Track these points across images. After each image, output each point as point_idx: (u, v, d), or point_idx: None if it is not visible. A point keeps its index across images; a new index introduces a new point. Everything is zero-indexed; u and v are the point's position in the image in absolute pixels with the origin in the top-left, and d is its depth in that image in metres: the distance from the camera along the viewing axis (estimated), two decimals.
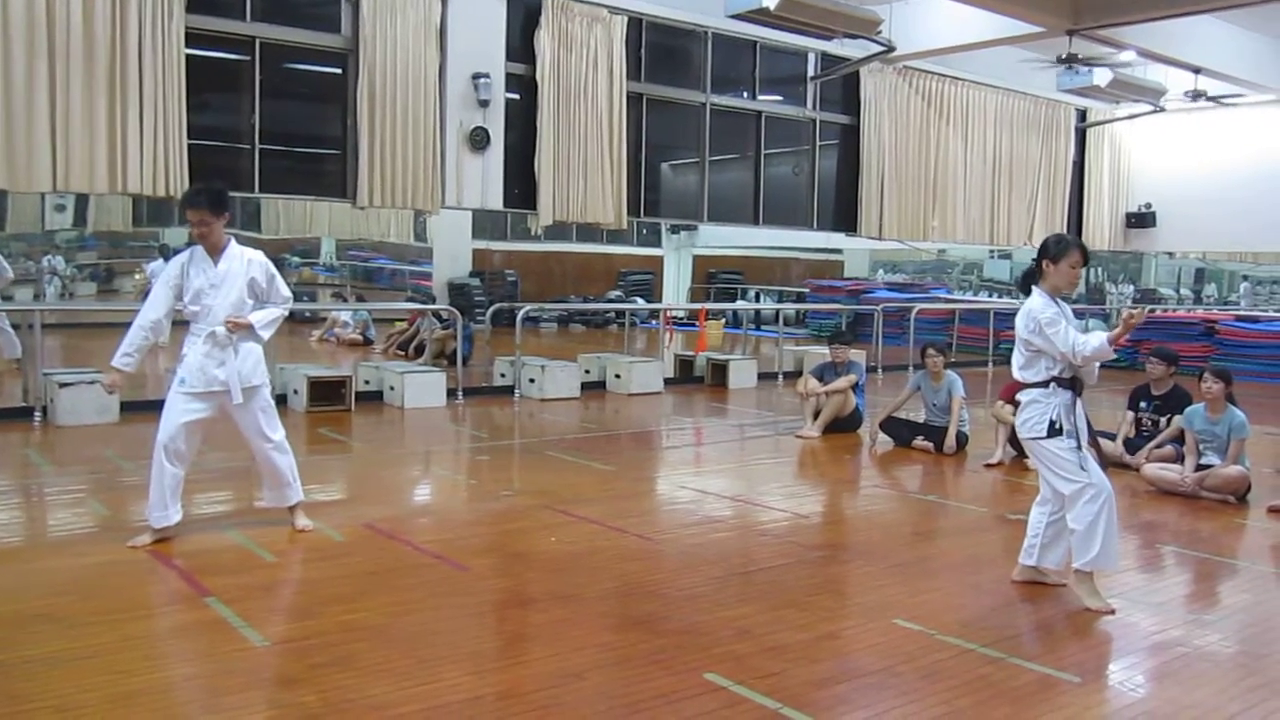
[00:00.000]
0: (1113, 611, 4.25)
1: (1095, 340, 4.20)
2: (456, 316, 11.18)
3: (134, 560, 4.65)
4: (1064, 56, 12.26)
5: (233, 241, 5.02)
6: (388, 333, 14.54)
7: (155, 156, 8.64)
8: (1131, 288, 19.35)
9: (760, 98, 13.10)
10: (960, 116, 14.75)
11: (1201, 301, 20.45)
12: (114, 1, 8.36)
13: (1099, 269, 18.82)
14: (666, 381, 11.52)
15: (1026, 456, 6.72)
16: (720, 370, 11.99)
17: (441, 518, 5.94)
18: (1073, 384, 4.35)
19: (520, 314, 11.08)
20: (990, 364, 14.57)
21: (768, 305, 20.88)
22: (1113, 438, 7.42)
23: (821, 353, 10.63)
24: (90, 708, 3.13)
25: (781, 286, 22.90)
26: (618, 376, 11.15)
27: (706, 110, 12.47)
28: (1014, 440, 7.25)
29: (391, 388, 9.81)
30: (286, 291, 5.18)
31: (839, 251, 22.75)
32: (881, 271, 23.23)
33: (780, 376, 12.55)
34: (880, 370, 13.56)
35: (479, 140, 10.45)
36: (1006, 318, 14.55)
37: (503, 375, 10.93)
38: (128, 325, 4.92)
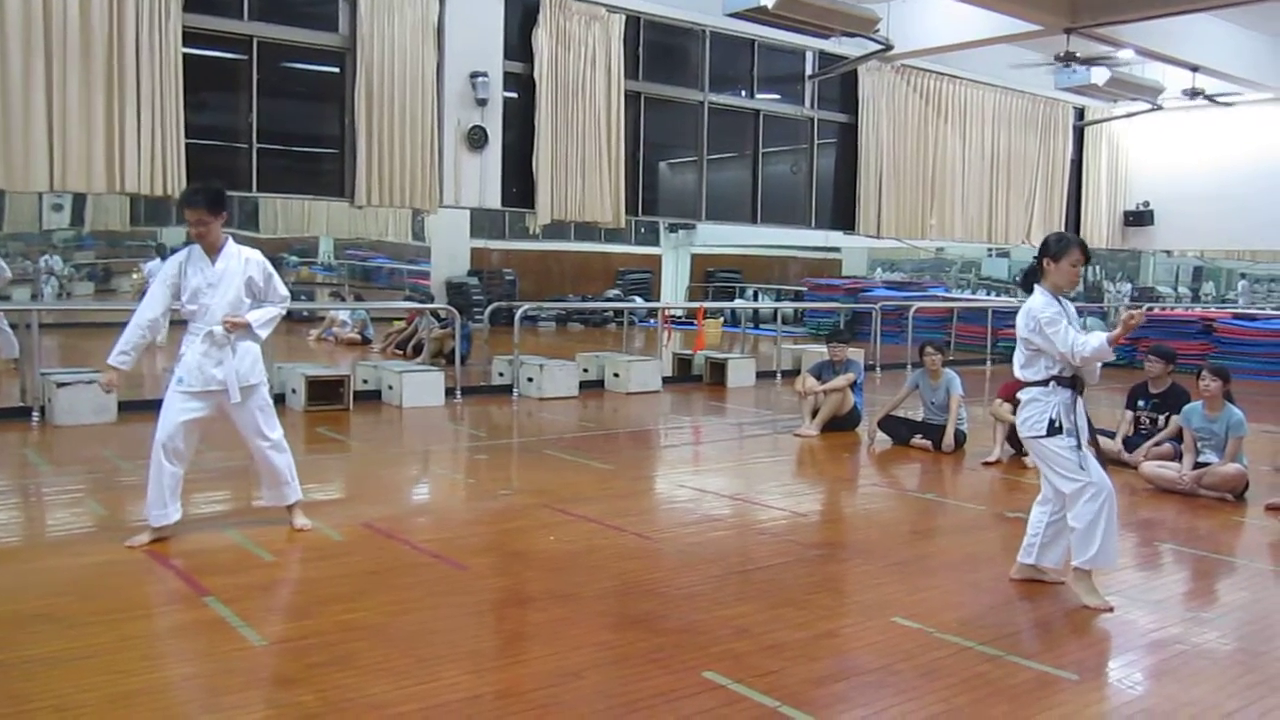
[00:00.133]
0: (1111, 609, 4.25)
1: (1095, 341, 4.20)
2: (455, 315, 11.17)
3: (132, 560, 4.65)
4: (1062, 55, 12.27)
5: (230, 241, 5.01)
6: (386, 332, 14.53)
7: (153, 156, 8.64)
8: (1129, 286, 19.37)
9: (758, 96, 13.11)
10: (958, 115, 14.76)
11: (1199, 299, 20.48)
12: (111, 0, 8.36)
13: (1097, 267, 18.83)
14: (665, 380, 11.52)
15: (1025, 454, 6.76)
16: (718, 369, 11.99)
17: (440, 517, 5.94)
18: (1073, 383, 4.35)
19: (518, 313, 11.06)
20: (988, 362, 14.57)
21: (766, 304, 20.89)
22: (1112, 436, 7.42)
23: (820, 351, 10.62)
24: (89, 707, 3.13)
25: (779, 285, 22.91)
26: (616, 375, 11.15)
27: (704, 109, 12.47)
28: (1012, 438, 7.27)
29: (390, 387, 9.81)
30: (284, 290, 5.18)
31: (837, 250, 22.74)
32: (879, 270, 23.22)
33: (778, 375, 12.55)
34: (878, 369, 13.56)
35: (477, 139, 10.45)
36: (1004, 316, 14.57)
37: (501, 374, 10.93)
38: (125, 325, 4.91)
